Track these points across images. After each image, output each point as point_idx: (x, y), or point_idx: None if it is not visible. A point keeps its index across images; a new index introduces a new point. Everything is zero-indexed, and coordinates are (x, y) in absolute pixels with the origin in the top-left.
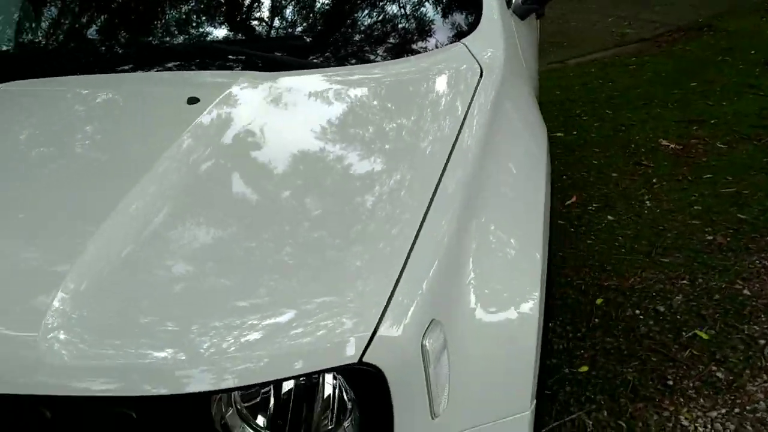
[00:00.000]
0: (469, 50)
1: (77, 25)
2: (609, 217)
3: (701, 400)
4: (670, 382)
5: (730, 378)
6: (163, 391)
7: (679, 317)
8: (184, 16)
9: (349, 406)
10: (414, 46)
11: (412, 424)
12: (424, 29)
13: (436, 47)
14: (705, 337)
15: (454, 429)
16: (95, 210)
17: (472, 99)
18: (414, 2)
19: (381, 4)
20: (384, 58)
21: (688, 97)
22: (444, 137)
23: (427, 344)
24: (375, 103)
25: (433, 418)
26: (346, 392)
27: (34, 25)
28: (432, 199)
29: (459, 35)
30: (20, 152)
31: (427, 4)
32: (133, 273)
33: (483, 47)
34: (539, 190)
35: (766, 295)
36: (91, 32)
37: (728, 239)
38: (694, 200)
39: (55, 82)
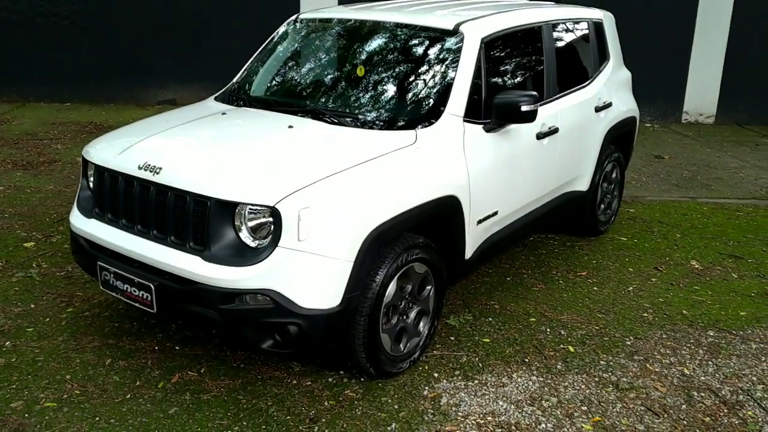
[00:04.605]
0: (416, 134)
1: (269, 90)
2: (595, 288)
3: (536, 364)
4: (526, 360)
5: (564, 365)
6: (220, 198)
7: (569, 339)
8: (304, 97)
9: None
10: (390, 124)
11: (290, 239)
12: (398, 120)
13: (402, 129)
14: (572, 350)
15: (304, 247)
16: (250, 139)
17: (397, 149)
18: (398, 107)
19: (383, 104)
20: (370, 128)
21: (754, 243)
22: (357, 154)
23: (300, 213)
24: (336, 138)
25: (298, 240)
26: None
27: (252, 84)
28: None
29: (417, 125)
30: (228, 123)
31: (406, 108)
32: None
33: (425, 135)
34: (392, 199)
35: (643, 351)
36: (272, 92)
37: (656, 318)
38: (666, 296)
39: (251, 110)
